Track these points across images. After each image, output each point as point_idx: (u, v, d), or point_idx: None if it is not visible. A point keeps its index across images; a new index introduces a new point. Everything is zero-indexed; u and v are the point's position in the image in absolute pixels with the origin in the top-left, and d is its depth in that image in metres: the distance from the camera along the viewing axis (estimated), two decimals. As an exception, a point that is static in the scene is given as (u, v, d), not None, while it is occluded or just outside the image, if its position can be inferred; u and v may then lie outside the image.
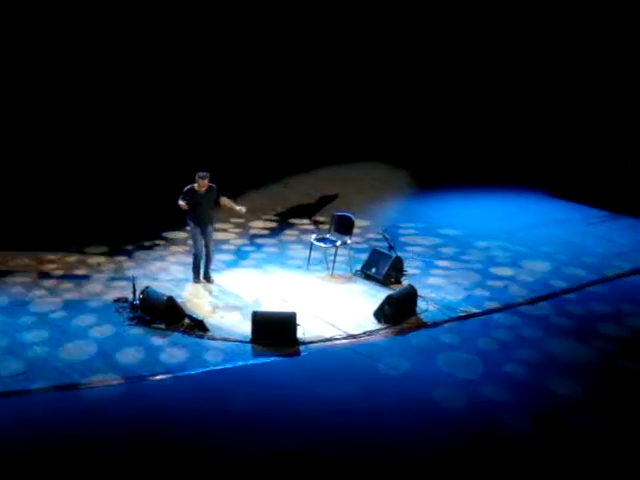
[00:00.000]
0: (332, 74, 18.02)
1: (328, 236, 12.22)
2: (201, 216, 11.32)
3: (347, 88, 18.07)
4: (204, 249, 11.48)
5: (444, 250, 13.06)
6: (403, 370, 9.37)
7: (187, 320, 10.27)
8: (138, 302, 10.43)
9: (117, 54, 16.57)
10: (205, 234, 11.42)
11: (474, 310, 10.82)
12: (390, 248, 11.75)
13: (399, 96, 18.17)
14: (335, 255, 11.91)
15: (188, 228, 11.82)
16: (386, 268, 11.50)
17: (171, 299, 10.38)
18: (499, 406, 8.64)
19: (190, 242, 12.03)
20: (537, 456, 7.82)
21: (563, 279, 11.93)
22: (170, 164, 15.75)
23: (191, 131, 17.07)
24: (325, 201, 15.33)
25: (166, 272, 11.93)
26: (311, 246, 12.14)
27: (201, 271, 11.58)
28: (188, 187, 11.17)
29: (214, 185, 11.27)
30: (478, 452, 7.87)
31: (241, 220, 13.95)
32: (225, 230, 13.67)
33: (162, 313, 10.22)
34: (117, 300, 10.83)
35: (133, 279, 10.73)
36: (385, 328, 10.27)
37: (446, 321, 10.51)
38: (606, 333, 10.28)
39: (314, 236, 12.30)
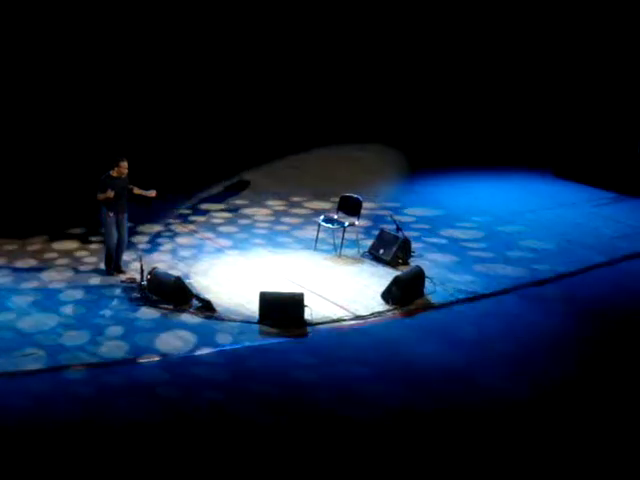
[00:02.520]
0: (340, 56, 17.93)
1: (336, 217, 12.22)
2: (120, 203, 10.83)
3: (353, 69, 17.99)
4: (117, 240, 10.97)
5: (457, 232, 13.02)
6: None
7: (195, 301, 10.30)
8: (146, 283, 10.46)
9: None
10: (120, 224, 10.94)
11: (481, 292, 10.83)
12: (398, 229, 11.74)
13: (405, 78, 18.09)
14: (343, 236, 11.92)
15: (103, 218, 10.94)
16: (394, 249, 11.51)
17: (179, 279, 10.41)
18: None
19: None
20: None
21: (580, 263, 11.84)
22: (170, 149, 15.75)
23: (191, 111, 16.94)
24: (332, 182, 15.27)
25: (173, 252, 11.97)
26: (319, 227, 12.14)
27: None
28: (106, 175, 10.68)
29: None
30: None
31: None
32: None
33: (170, 294, 10.25)
34: (125, 281, 10.87)
35: (140, 258, 10.76)
36: (393, 309, 10.30)
37: (452, 302, 10.52)
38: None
39: (322, 217, 12.30)
